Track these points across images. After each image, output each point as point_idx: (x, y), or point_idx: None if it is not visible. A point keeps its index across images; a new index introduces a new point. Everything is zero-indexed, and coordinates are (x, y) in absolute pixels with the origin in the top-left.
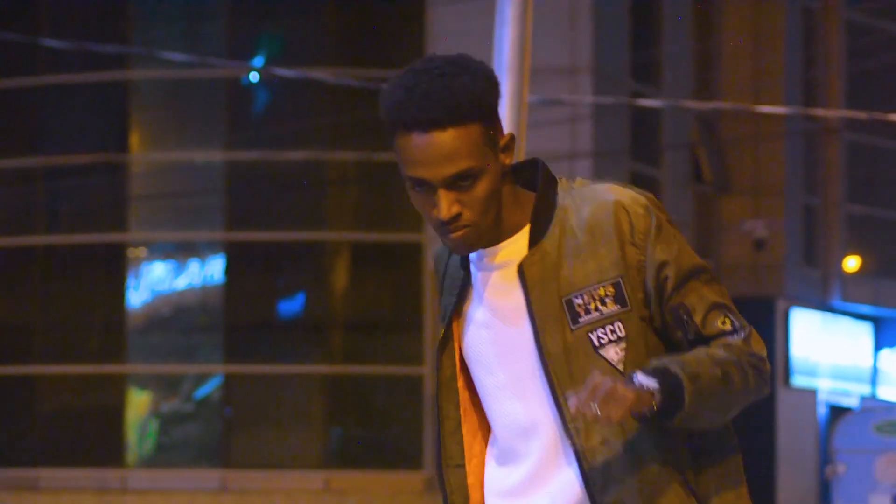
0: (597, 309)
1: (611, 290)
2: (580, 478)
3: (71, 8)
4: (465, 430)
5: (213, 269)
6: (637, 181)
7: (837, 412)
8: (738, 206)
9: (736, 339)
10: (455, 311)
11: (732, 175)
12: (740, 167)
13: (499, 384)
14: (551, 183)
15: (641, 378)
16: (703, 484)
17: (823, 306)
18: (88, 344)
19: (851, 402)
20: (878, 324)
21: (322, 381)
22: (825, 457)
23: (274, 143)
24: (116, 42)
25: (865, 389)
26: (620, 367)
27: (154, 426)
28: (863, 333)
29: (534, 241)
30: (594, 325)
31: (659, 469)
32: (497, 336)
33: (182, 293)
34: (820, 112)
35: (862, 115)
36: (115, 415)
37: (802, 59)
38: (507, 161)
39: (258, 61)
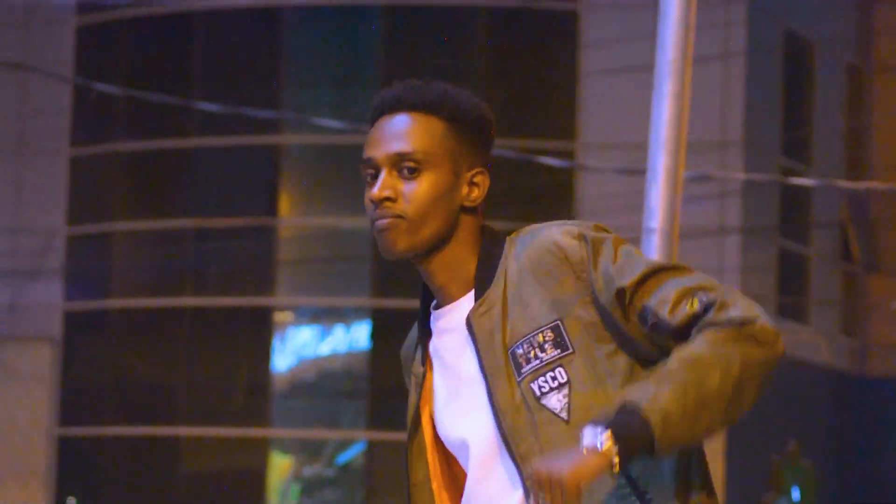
0: (536, 357)
1: (549, 334)
2: None
3: (224, 72)
4: None
5: (358, 335)
6: (785, 258)
7: None
8: (887, 285)
9: (708, 318)
10: (420, 404)
11: (881, 254)
12: (889, 247)
13: (474, 461)
14: (496, 235)
15: (588, 436)
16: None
17: None
18: (232, 406)
19: None
20: None
21: None
22: None
23: None
24: (268, 106)
25: None
26: (564, 414)
27: (296, 490)
28: None
29: (479, 292)
30: (535, 374)
31: None
32: (468, 403)
33: (327, 358)
34: None
35: None
36: (257, 478)
37: None
38: (472, 194)
39: None
